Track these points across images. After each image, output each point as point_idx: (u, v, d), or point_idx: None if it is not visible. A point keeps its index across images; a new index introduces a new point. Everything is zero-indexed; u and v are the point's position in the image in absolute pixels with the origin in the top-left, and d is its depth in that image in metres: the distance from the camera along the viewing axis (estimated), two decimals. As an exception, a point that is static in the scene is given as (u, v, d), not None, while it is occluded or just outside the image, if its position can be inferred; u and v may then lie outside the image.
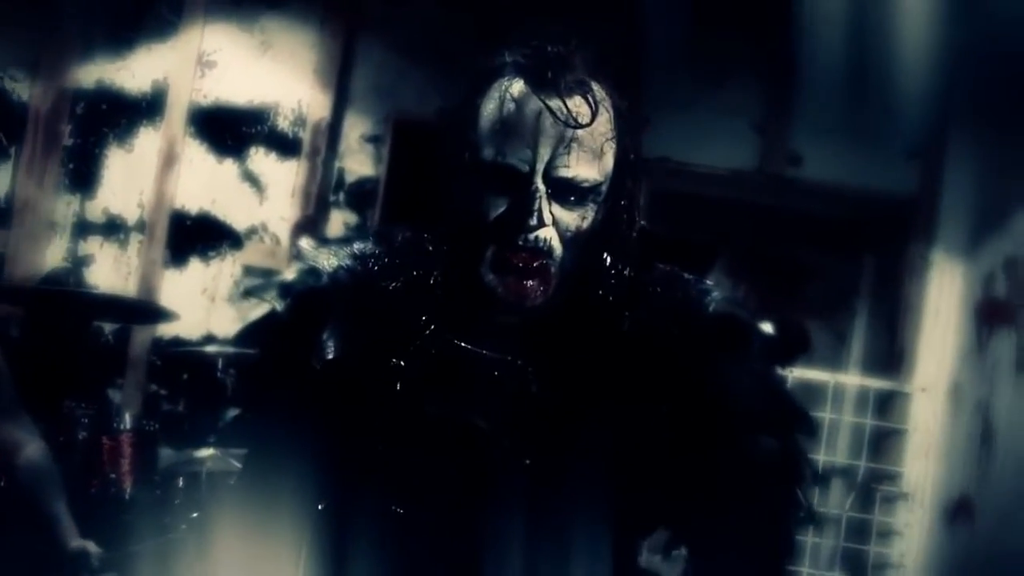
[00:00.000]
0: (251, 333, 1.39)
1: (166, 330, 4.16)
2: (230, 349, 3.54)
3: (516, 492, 1.29)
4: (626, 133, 1.29)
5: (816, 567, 4.04)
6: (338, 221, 4.32)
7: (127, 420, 3.46)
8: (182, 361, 3.82)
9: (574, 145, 1.24)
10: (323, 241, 1.42)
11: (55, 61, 4.29)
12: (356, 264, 1.36)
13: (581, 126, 1.24)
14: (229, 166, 4.32)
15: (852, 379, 4.18)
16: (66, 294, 3.60)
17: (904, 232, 4.21)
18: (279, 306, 1.34)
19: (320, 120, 4.29)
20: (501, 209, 1.25)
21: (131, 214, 4.29)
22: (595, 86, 1.26)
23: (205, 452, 3.31)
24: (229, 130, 4.31)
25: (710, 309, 1.34)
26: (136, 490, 3.23)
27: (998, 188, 3.96)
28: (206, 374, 3.55)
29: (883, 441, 4.13)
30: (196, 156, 4.30)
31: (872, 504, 4.07)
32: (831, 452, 4.06)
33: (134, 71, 4.32)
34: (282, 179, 4.30)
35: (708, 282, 1.39)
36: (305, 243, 1.42)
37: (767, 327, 1.36)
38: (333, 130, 4.31)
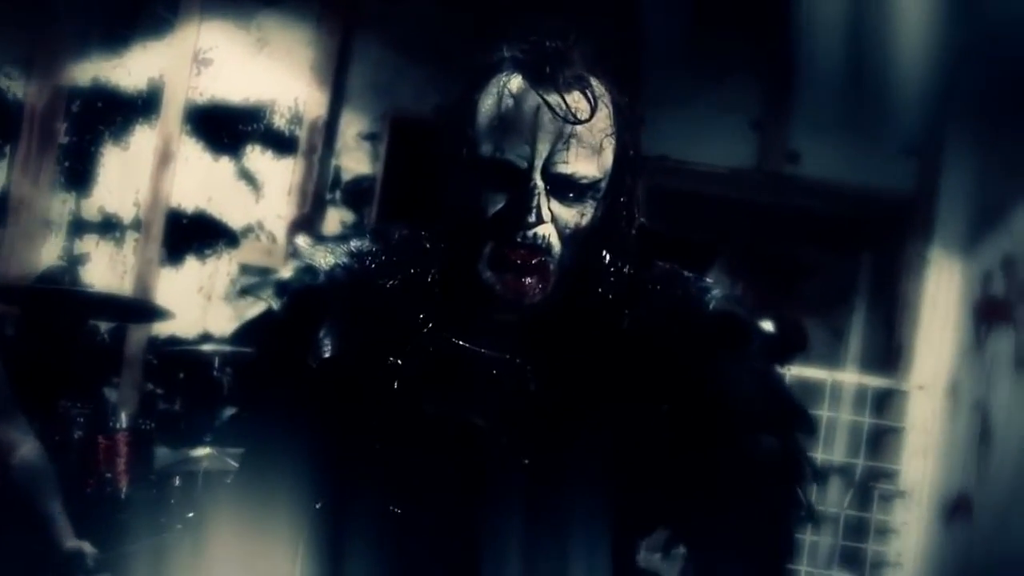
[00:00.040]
0: (247, 332, 1.38)
1: (162, 329, 4.15)
2: (226, 348, 3.53)
3: (514, 492, 1.28)
4: (626, 129, 1.28)
5: (814, 565, 4.03)
6: (335, 219, 4.31)
7: (123, 419, 3.46)
8: (178, 360, 3.81)
9: (573, 141, 1.23)
10: (320, 239, 1.41)
11: (50, 58, 4.28)
12: (353, 262, 1.35)
13: (580, 122, 1.22)
14: (225, 164, 4.30)
15: (850, 377, 4.18)
16: (62, 293, 3.58)
17: (902, 230, 4.21)
18: (275, 305, 1.33)
19: (317, 118, 4.28)
20: (499, 206, 1.24)
21: (127, 212, 4.28)
22: (594, 81, 1.25)
23: (201, 451, 3.30)
24: (225, 128, 4.30)
25: (710, 307, 1.33)
26: (132, 490, 3.22)
27: (996, 186, 3.96)
28: (202, 373, 3.54)
29: (881, 439, 4.13)
30: (192, 154, 4.29)
31: (870, 502, 4.07)
32: (829, 450, 4.06)
33: (130, 69, 4.31)
34: (278, 177, 4.29)
35: (708, 280, 1.38)
36: (302, 241, 1.41)
37: (767, 325, 1.36)
38: (330, 128, 4.30)
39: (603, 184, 1.27)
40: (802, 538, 3.72)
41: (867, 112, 3.92)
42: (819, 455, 3.94)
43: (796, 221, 4.41)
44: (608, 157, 1.27)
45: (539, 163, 1.23)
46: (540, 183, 1.23)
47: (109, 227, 4.28)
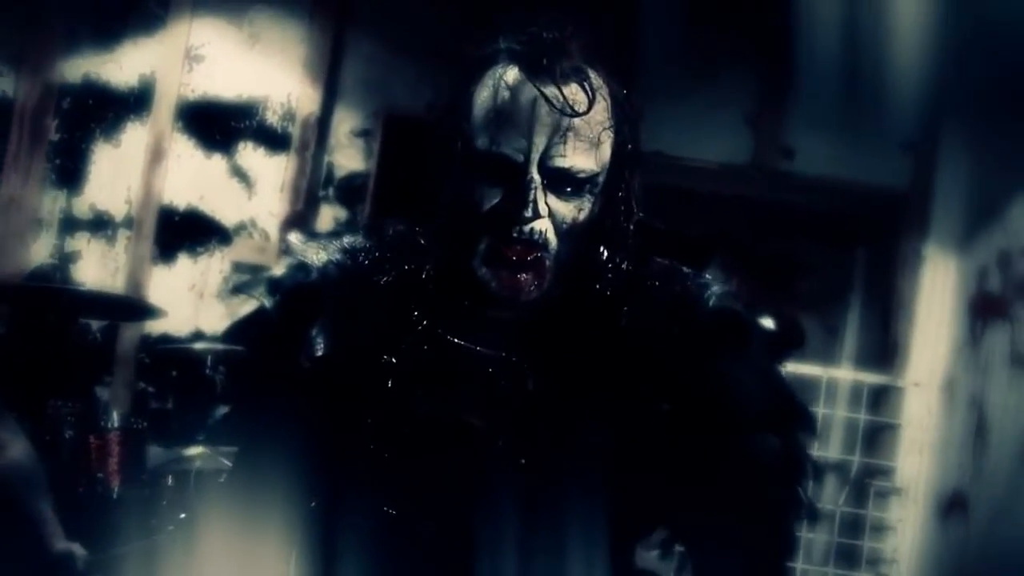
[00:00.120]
0: (240, 330, 1.37)
1: (154, 327, 4.13)
2: (219, 346, 3.51)
3: (511, 492, 1.26)
4: (624, 122, 1.26)
5: (810, 562, 4.03)
6: (328, 216, 4.29)
7: (115, 418, 3.44)
8: (170, 358, 3.79)
9: (570, 134, 1.21)
10: (313, 236, 1.39)
11: (40, 55, 4.25)
12: (346, 259, 1.33)
13: (578, 114, 1.20)
14: (217, 161, 4.28)
15: (845, 373, 4.17)
16: (53, 291, 3.57)
17: (897, 226, 4.21)
18: (268, 302, 1.32)
19: (309, 114, 4.26)
20: (495, 200, 1.22)
21: (118, 210, 4.26)
22: (592, 73, 1.23)
23: (194, 450, 3.28)
24: (217, 125, 4.28)
25: (710, 304, 1.32)
26: (124, 490, 3.20)
27: (991, 181, 3.96)
28: (195, 371, 3.52)
29: (877, 436, 4.13)
30: (184, 151, 4.27)
31: (866, 499, 4.06)
32: (824, 447, 4.06)
33: (121, 65, 4.29)
34: (271, 174, 4.27)
35: (707, 276, 1.36)
36: (294, 238, 1.40)
37: (767, 322, 1.34)
38: (322, 124, 4.28)
39: (601, 178, 1.25)
40: (798, 535, 3.71)
41: (862, 108, 3.92)
42: (815, 452, 3.93)
43: (791, 217, 4.40)
44: (606, 151, 1.25)
45: (536, 157, 1.21)
46: (537, 177, 1.21)
47: (100, 225, 4.25)
